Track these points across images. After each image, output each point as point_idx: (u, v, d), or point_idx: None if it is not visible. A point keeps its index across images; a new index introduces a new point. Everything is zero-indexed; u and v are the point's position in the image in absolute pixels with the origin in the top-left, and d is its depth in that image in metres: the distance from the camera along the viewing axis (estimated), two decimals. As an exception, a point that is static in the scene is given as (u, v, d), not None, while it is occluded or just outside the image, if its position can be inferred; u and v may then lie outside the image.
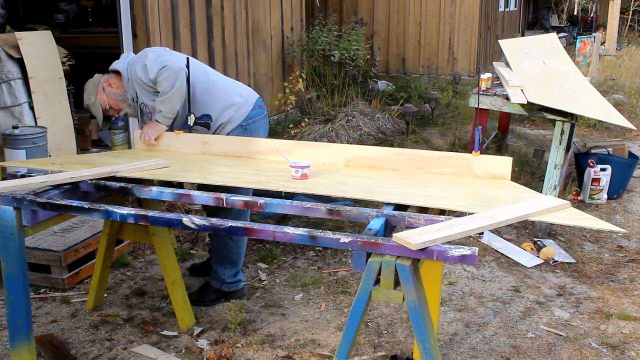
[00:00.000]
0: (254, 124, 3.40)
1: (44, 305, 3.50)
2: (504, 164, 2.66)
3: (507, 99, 4.62)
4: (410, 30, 11.01)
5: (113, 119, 3.52)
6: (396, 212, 2.23)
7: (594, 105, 4.87)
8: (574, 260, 4.13)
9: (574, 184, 5.59)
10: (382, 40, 11.15)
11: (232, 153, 3.13)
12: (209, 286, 3.52)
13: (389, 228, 2.22)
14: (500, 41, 5.68)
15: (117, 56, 5.47)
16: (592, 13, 22.41)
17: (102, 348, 3.08)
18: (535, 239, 4.41)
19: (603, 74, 11.28)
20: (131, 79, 3.26)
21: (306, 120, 7.44)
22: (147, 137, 3.24)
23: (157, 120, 3.22)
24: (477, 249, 1.88)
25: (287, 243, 4.22)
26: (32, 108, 4.77)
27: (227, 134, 3.32)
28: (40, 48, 4.84)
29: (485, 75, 5.20)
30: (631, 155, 5.82)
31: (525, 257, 4.17)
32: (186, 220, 2.23)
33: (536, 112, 4.67)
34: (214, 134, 3.31)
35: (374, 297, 2.00)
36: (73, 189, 2.65)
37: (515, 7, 14.73)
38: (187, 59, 3.21)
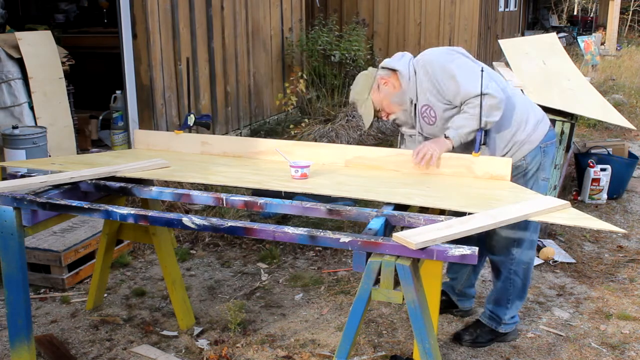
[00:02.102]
0: (551, 147, 2.98)
1: (44, 305, 3.50)
2: (504, 164, 2.66)
3: (507, 99, 4.61)
4: (410, 30, 11.01)
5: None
6: (396, 212, 2.23)
7: (594, 105, 4.86)
8: (573, 260, 4.13)
9: (574, 184, 5.59)
10: (382, 40, 11.15)
11: (232, 153, 3.13)
12: (483, 326, 3.14)
13: (389, 228, 2.22)
14: (500, 41, 5.67)
15: (117, 56, 5.52)
16: (592, 13, 22.43)
17: (102, 348, 3.08)
18: (535, 239, 4.40)
19: (603, 74, 11.28)
20: (414, 79, 2.84)
21: (306, 120, 7.44)
22: (432, 153, 2.67)
23: (446, 136, 2.73)
24: (477, 248, 1.88)
25: (287, 243, 4.23)
26: (32, 108, 4.77)
27: (524, 156, 2.89)
28: (40, 48, 4.85)
29: (485, 76, 5.18)
30: (631, 155, 5.82)
31: (525, 257, 4.16)
32: (186, 220, 2.23)
33: (536, 112, 4.66)
34: (508, 153, 2.87)
35: (374, 297, 2.00)
36: (73, 189, 2.65)
37: (515, 7, 14.74)
38: (482, 69, 2.73)
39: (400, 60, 2.91)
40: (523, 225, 2.94)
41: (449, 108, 2.80)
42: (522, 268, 3.05)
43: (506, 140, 2.87)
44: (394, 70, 2.88)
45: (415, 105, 2.88)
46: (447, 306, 3.40)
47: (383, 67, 2.92)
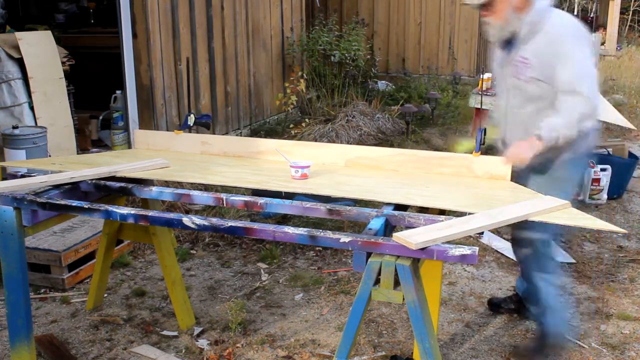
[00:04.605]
0: (588, 157, 2.81)
1: (44, 305, 3.50)
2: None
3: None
4: (410, 30, 11.00)
5: None
6: (396, 212, 2.23)
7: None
8: (574, 260, 4.13)
9: (574, 184, 5.58)
10: (382, 40, 11.14)
11: (232, 153, 3.14)
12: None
13: (389, 228, 2.22)
14: (500, 41, 5.66)
15: (117, 56, 5.51)
16: (592, 13, 22.43)
17: (102, 348, 3.08)
18: (535, 239, 4.40)
19: (603, 74, 11.27)
20: (536, 26, 2.59)
21: (306, 120, 7.45)
22: (524, 154, 2.57)
23: (538, 135, 2.55)
24: (477, 248, 1.88)
25: (287, 243, 4.23)
26: (32, 108, 4.77)
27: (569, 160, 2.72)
28: (40, 48, 4.85)
29: (486, 75, 5.20)
30: (631, 155, 5.81)
31: (525, 257, 4.16)
32: (186, 220, 2.23)
33: (536, 112, 4.65)
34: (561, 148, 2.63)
35: (374, 297, 2.00)
36: (73, 189, 2.65)
37: (515, 7, 14.71)
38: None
39: None
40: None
41: (541, 83, 2.61)
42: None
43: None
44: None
45: (515, 42, 2.66)
46: None
47: None
